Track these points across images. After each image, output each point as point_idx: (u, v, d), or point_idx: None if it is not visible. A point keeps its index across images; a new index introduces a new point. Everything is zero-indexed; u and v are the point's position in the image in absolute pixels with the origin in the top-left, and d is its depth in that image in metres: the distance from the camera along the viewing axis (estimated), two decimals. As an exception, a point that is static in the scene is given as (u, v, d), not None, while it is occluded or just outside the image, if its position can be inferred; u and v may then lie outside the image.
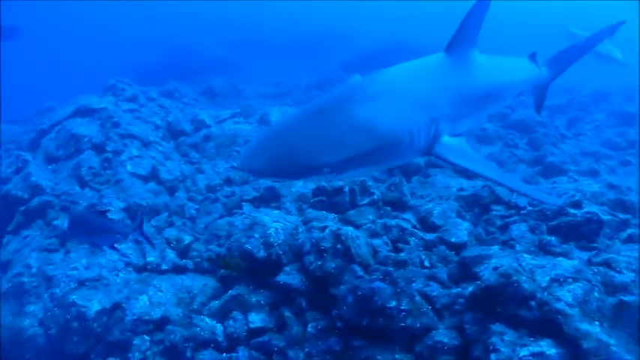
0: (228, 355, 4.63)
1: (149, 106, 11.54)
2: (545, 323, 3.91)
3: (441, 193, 7.33)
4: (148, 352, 5.23)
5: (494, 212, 6.12)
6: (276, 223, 5.49)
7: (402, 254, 5.30)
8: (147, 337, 5.33)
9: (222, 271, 5.66)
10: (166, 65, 21.74)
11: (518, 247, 5.01)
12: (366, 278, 4.80)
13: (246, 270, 5.14)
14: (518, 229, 5.52)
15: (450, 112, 3.32)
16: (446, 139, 3.27)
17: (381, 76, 3.34)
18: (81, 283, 5.68)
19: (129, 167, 8.43)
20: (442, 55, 3.61)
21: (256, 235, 5.30)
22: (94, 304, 5.46)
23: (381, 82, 3.23)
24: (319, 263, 5.06)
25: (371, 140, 2.79)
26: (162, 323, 5.41)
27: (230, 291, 5.12)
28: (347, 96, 3.04)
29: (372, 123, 2.81)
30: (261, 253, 5.19)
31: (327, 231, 5.30)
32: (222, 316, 5.04)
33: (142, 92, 12.13)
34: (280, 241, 5.24)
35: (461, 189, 7.37)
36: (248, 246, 5.25)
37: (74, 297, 5.51)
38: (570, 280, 4.23)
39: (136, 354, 5.20)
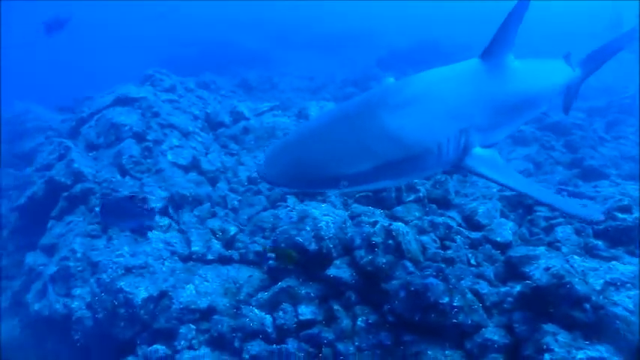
0: (278, 346, 4.55)
1: (187, 97, 11.62)
2: (602, 328, 3.84)
3: (483, 192, 7.25)
4: (194, 341, 5.25)
5: (538, 213, 6.01)
6: (327, 217, 5.46)
7: (449, 252, 5.30)
8: (193, 326, 5.35)
9: (271, 262, 5.65)
10: (200, 58, 21.92)
11: (564, 249, 4.91)
12: (418, 274, 4.81)
13: (298, 263, 5.11)
14: (564, 231, 5.40)
15: (482, 122, 3.22)
16: (477, 150, 3.15)
17: (411, 82, 3.22)
18: (128, 270, 5.72)
19: (169, 157, 8.48)
20: (477, 61, 3.49)
21: (307, 228, 5.28)
22: (141, 291, 5.50)
23: (411, 89, 3.09)
24: (370, 258, 5.04)
25: (396, 151, 2.70)
26: (208, 313, 5.43)
27: (280, 283, 5.10)
28: (374, 102, 2.95)
29: (398, 132, 2.73)
30: (313, 246, 5.16)
31: (378, 226, 5.30)
32: (271, 307, 5.02)
33: (180, 83, 12.21)
34: (331, 235, 5.21)
35: (502, 189, 7.25)
36: (299, 239, 5.22)
37: (122, 283, 5.56)
38: (629, 285, 4.14)
39: (182, 342, 5.23)
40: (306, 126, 3.13)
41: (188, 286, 5.60)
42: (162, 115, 9.68)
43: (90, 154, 9.15)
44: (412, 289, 4.36)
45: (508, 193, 6.97)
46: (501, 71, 3.55)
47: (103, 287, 5.41)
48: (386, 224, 5.30)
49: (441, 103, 3.02)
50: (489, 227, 5.74)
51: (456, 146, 2.98)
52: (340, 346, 4.47)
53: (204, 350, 5.15)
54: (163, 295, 5.57)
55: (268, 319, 4.94)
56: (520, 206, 6.50)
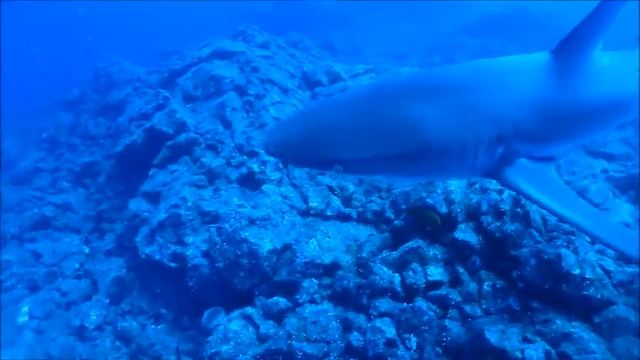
0: (410, 304, 4.63)
1: (281, 55, 11.51)
2: None
3: (586, 172, 7.07)
4: (316, 295, 5.23)
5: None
6: (454, 181, 5.28)
7: (566, 226, 5.07)
8: (315, 281, 5.32)
9: (397, 222, 5.53)
10: (277, 16, 21.68)
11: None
12: (547, 244, 4.69)
13: (437, 225, 4.99)
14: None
15: (534, 130, 2.67)
16: (522, 162, 2.66)
17: (448, 71, 2.89)
18: (252, 222, 5.70)
19: (272, 112, 8.41)
20: (546, 56, 2.84)
21: (438, 191, 5.16)
22: (266, 243, 5.48)
23: (444, 79, 2.66)
24: (498, 224, 4.95)
25: (406, 144, 2.39)
26: (332, 268, 5.37)
27: (409, 243, 4.97)
28: (397, 87, 2.65)
29: (413, 124, 2.39)
30: (444, 209, 5.02)
31: (505, 194, 5.18)
32: (400, 266, 4.92)
33: (273, 40, 12.10)
34: (459, 199, 5.06)
35: (605, 170, 7.21)
36: (430, 200, 5.07)
37: (246, 234, 5.55)
38: None
39: (304, 296, 5.21)
40: (321, 101, 2.93)
41: (311, 240, 5.56)
42: (262, 71, 9.62)
43: (187, 106, 9.20)
44: (545, 257, 4.33)
45: (616, 174, 6.80)
46: (577, 71, 2.83)
47: (224, 237, 5.43)
48: (513, 193, 5.14)
49: (476, 101, 2.52)
50: (603, 206, 5.54)
51: (489, 153, 2.55)
52: (467, 308, 4.49)
53: (327, 305, 5.12)
54: (286, 248, 5.54)
55: (397, 277, 4.91)
56: (631, 188, 6.37)
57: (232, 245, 5.49)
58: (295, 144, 2.41)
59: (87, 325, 6.82)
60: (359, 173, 2.65)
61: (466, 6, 24.48)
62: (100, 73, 13.79)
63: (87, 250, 8.16)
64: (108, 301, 7.10)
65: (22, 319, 7.18)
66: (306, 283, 5.29)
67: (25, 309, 7.26)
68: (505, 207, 5.06)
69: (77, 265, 7.89)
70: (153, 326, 6.38)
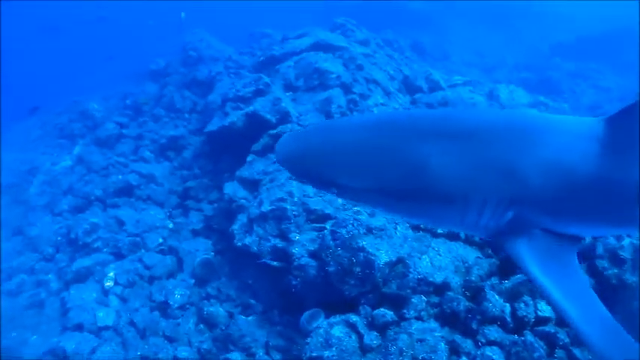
0: (521, 337, 4.57)
1: (380, 54, 11.49)
2: None
3: None
4: (423, 313, 5.22)
5: None
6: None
7: None
8: (424, 298, 5.30)
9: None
10: (360, 10, 21.34)
11: None
12: None
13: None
14: None
15: (558, 201, 2.28)
16: (535, 234, 2.28)
17: (479, 115, 2.62)
18: (369, 230, 5.69)
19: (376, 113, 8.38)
20: (598, 123, 2.34)
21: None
22: (382, 254, 5.48)
23: (470, 123, 2.37)
24: (616, 271, 5.07)
25: (402, 182, 2.25)
26: (442, 288, 5.35)
27: (520, 275, 4.90)
28: (409, 122, 2.44)
29: (417, 164, 2.22)
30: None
31: (626, 241, 5.19)
32: (511, 297, 4.93)
33: (372, 38, 12.08)
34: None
35: None
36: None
37: (364, 243, 5.54)
38: None
39: (411, 311, 5.21)
40: (335, 120, 2.78)
41: (424, 257, 5.54)
42: (366, 69, 9.63)
43: (287, 94, 9.24)
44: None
45: None
46: (629, 148, 2.26)
47: (339, 242, 5.42)
48: (635, 242, 5.07)
49: (493, 153, 2.25)
50: None
51: (496, 214, 2.26)
52: (576, 352, 4.44)
53: (433, 324, 5.10)
54: (400, 261, 5.53)
55: (508, 307, 4.88)
56: None
57: (348, 252, 5.48)
58: (298, 159, 2.38)
59: (171, 302, 6.95)
60: (354, 200, 2.52)
61: (558, 19, 23.57)
62: (188, 47, 13.97)
63: (170, 226, 8.30)
64: (193, 281, 7.20)
65: (108, 283, 7.36)
66: (415, 299, 5.27)
67: (112, 274, 7.43)
68: (625, 255, 5.02)
69: (160, 240, 8.04)
70: (243, 317, 6.42)
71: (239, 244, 6.65)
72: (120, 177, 9.44)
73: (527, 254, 2.20)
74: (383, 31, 14.41)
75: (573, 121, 2.39)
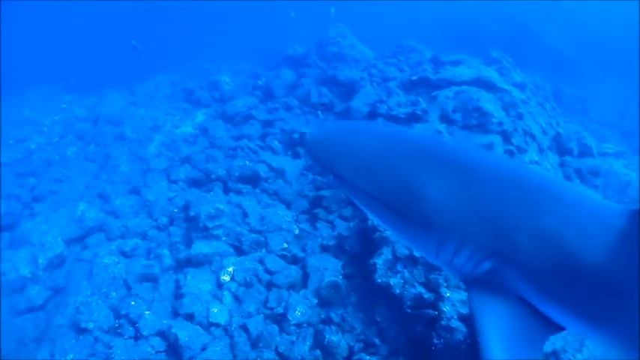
0: None
1: (533, 102, 10.88)
2: None
3: None
4: None
5: None
6: None
7: None
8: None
9: None
10: (479, 35, 20.35)
11: None
12: None
13: None
14: None
15: (537, 271, 2.12)
16: (509, 297, 2.17)
17: (502, 163, 2.47)
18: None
19: (536, 173, 7.81)
20: (619, 211, 2.13)
21: None
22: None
23: (487, 168, 2.33)
24: None
25: (392, 197, 2.34)
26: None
27: None
28: (430, 147, 2.48)
29: (410, 183, 2.29)
30: None
31: None
32: None
33: (528, 82, 11.46)
34: None
35: None
36: None
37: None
38: None
39: None
40: (363, 125, 2.96)
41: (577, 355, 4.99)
42: (525, 120, 9.06)
43: (442, 125, 8.81)
44: None
45: None
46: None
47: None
48: None
49: (487, 203, 2.20)
50: None
51: (472, 260, 2.22)
52: None
53: None
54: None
55: None
56: None
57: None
58: (321, 151, 2.56)
59: (289, 317, 6.64)
60: (353, 198, 2.62)
61: None
62: (330, 41, 13.69)
63: (296, 232, 8.00)
64: (316, 301, 6.87)
65: (225, 277, 7.13)
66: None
67: (230, 269, 7.20)
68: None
69: (285, 245, 7.75)
70: (366, 356, 6.05)
71: (379, 280, 6.28)
72: (248, 163, 9.20)
73: (490, 314, 2.12)
74: (530, 72, 13.66)
75: (595, 202, 2.22)
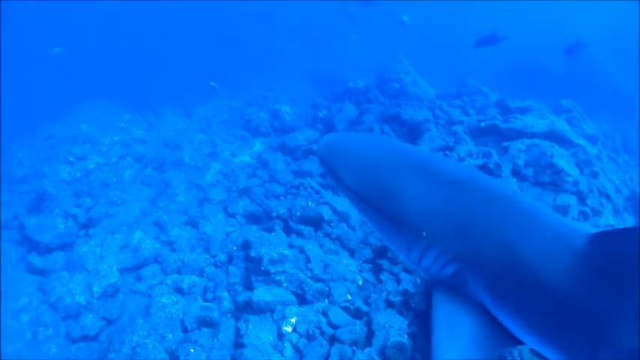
0: None
1: (605, 156, 10.45)
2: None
3: None
4: None
5: None
6: None
7: None
8: None
9: None
10: (544, 72, 19.64)
11: None
12: None
13: None
14: None
15: (498, 282, 2.20)
16: (471, 304, 2.24)
17: (486, 182, 2.49)
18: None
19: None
20: (584, 233, 2.14)
21: None
22: None
23: (470, 182, 2.42)
24: None
25: (375, 196, 2.52)
26: None
27: None
28: (421, 158, 2.60)
29: (393, 186, 2.45)
30: None
31: None
32: None
33: (602, 135, 11.05)
34: None
35: None
36: None
37: None
38: None
39: None
40: (368, 136, 3.45)
41: None
42: (600, 179, 8.68)
43: (512, 180, 8.48)
44: None
45: None
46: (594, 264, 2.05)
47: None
48: None
49: (458, 209, 2.31)
50: None
51: (438, 262, 2.33)
52: None
53: None
54: None
55: None
56: None
57: None
58: (327, 154, 2.74)
59: (354, 379, 6.34)
60: (347, 197, 2.77)
61: None
62: (392, 77, 13.52)
63: (360, 282, 7.73)
64: (380, 361, 6.57)
65: (287, 328, 6.91)
66: None
67: (293, 320, 6.97)
68: None
69: (348, 296, 7.49)
70: None
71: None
72: (310, 204, 8.99)
73: (447, 315, 2.20)
74: (598, 119, 13.19)
75: (561, 223, 2.25)
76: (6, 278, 9.19)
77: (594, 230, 2.13)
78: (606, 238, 2.04)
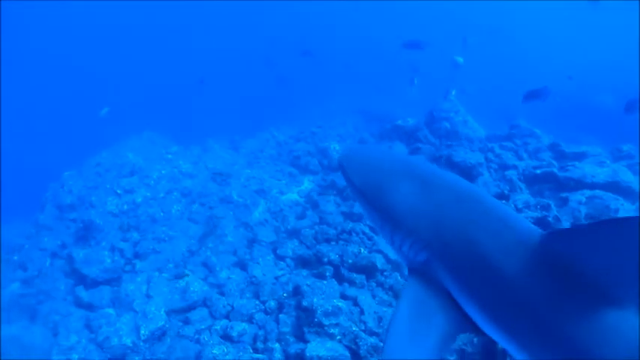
0: None
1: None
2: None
3: None
4: None
5: None
6: None
7: None
8: None
9: None
10: (592, 109, 19.21)
11: None
12: None
13: None
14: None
15: (459, 271, 2.43)
16: (439, 289, 2.49)
17: (465, 186, 2.74)
18: None
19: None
20: (538, 233, 2.29)
21: None
22: None
23: (451, 185, 2.73)
24: None
25: (377, 193, 2.88)
26: None
27: None
28: (422, 169, 2.92)
29: (386, 186, 2.84)
30: None
31: None
32: None
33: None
34: None
35: None
36: None
37: None
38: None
39: None
40: (383, 148, 3.52)
41: None
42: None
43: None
44: None
45: None
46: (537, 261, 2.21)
47: None
48: None
49: (432, 207, 2.62)
50: None
51: (413, 249, 2.65)
52: None
53: None
54: None
55: None
56: None
57: None
58: (345, 162, 3.16)
59: None
60: (352, 193, 3.32)
61: None
62: (442, 115, 13.29)
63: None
64: None
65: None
66: None
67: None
68: None
69: None
70: None
71: None
72: (363, 251, 8.79)
73: (414, 296, 2.47)
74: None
75: (524, 226, 2.39)
76: (55, 311, 9.24)
77: (549, 231, 2.25)
78: (558, 237, 2.14)
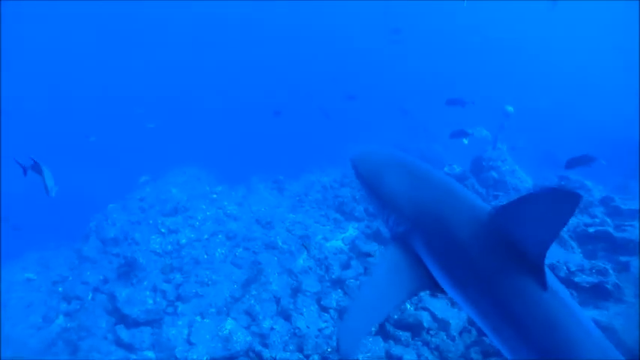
0: None
1: None
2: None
3: None
4: None
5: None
6: None
7: None
8: None
9: None
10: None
11: None
12: None
13: None
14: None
15: (430, 243, 2.97)
16: (411, 255, 3.05)
17: (447, 182, 3.21)
18: None
19: None
20: (490, 208, 2.79)
21: None
22: None
23: (435, 177, 3.25)
24: None
25: (376, 182, 3.42)
26: None
27: None
28: (419, 166, 3.38)
29: (381, 175, 3.40)
30: None
31: None
32: None
33: None
34: None
35: None
36: None
37: None
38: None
39: None
40: (390, 150, 3.72)
41: None
42: None
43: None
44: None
45: None
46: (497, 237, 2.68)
47: None
48: None
49: (414, 192, 3.18)
50: None
51: (397, 223, 3.20)
52: None
53: None
54: None
55: None
56: None
57: None
58: (356, 160, 3.69)
59: None
60: (360, 184, 3.73)
61: None
62: (490, 164, 13.15)
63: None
64: None
65: None
66: None
67: None
68: None
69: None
70: None
71: None
72: (409, 307, 8.67)
73: (390, 258, 3.07)
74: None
75: (480, 205, 2.90)
76: (97, 349, 9.36)
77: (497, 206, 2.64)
78: (501, 212, 2.56)
